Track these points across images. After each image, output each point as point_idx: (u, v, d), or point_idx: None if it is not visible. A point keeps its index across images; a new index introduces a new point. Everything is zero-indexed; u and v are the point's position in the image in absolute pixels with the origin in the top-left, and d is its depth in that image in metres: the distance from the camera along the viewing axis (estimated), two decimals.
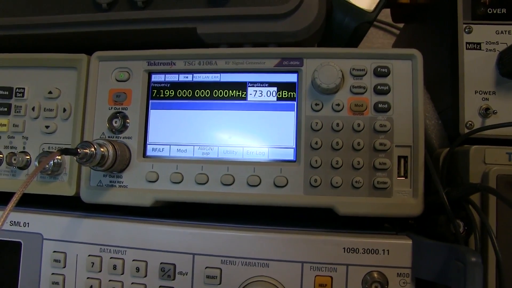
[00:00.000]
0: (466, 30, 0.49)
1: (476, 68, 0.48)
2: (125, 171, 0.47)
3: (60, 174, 0.49)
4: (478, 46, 0.49)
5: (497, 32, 0.49)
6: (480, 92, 0.48)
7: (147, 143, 0.47)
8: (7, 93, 0.51)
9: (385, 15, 0.86)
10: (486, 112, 0.47)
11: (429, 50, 0.57)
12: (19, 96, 0.51)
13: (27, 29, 0.52)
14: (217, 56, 0.47)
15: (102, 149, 0.43)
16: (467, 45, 0.49)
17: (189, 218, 0.48)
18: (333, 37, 0.53)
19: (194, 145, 0.46)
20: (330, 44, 0.54)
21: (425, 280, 0.41)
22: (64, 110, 0.50)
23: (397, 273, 0.41)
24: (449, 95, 0.50)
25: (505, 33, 0.49)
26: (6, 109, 0.51)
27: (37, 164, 0.48)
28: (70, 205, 0.53)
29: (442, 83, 0.53)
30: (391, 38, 0.99)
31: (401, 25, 0.82)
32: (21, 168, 0.50)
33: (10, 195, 0.44)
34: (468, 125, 0.47)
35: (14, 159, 0.49)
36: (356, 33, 0.52)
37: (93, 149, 0.42)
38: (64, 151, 0.39)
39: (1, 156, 0.51)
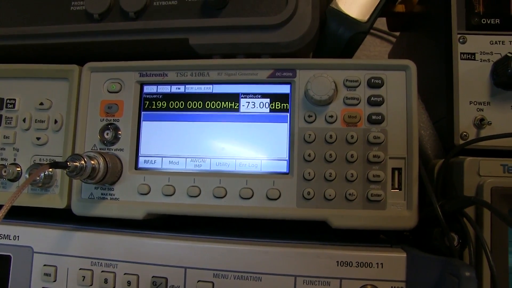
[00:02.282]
0: (461, 40, 0.49)
1: (471, 78, 0.48)
2: (117, 183, 0.46)
3: (51, 187, 0.49)
4: (473, 56, 0.49)
5: (491, 42, 0.49)
6: (475, 103, 0.48)
7: (139, 155, 0.47)
8: None
9: (382, 23, 0.86)
10: (481, 123, 0.47)
11: (424, 60, 0.57)
12: (10, 107, 0.51)
13: (18, 40, 0.51)
14: (209, 67, 0.47)
15: (92, 162, 0.42)
16: (462, 55, 0.49)
17: (181, 231, 0.47)
18: (327, 47, 0.53)
19: (186, 157, 0.46)
20: (325, 54, 0.54)
21: None
22: (56, 121, 0.49)
23: (391, 287, 0.41)
24: (444, 106, 0.50)
25: (499, 43, 0.49)
26: None
27: (27, 176, 0.48)
28: (62, 217, 0.52)
29: (437, 93, 0.53)
30: (388, 46, 0.99)
31: (398, 33, 0.82)
32: (12, 180, 0.49)
33: None
34: (463, 136, 0.47)
35: (5, 171, 0.49)
36: (350, 43, 0.52)
37: (83, 162, 0.41)
38: (53, 165, 0.38)
39: None
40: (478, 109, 0.48)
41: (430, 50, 0.57)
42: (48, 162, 0.48)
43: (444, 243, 0.40)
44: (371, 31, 0.96)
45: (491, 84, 0.48)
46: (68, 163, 0.40)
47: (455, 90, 0.48)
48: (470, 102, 0.48)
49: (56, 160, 0.48)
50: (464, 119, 0.47)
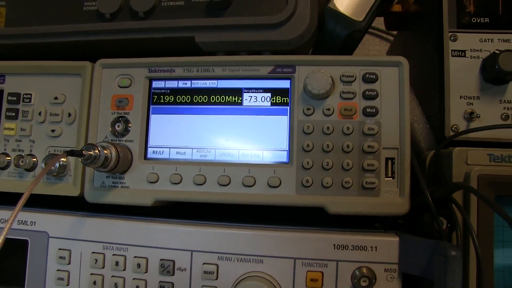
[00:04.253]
0: (452, 38, 0.52)
1: (461, 74, 0.51)
2: (127, 172, 0.49)
3: (65, 176, 0.52)
4: (463, 53, 0.51)
5: (480, 40, 0.51)
6: (465, 97, 0.50)
7: (148, 146, 0.50)
8: (15, 98, 0.54)
9: (381, 23, 0.89)
10: (470, 116, 0.50)
11: (419, 57, 0.60)
12: (26, 102, 0.54)
13: (34, 38, 0.54)
14: (214, 63, 0.50)
15: (105, 151, 0.45)
16: (453, 52, 0.51)
17: (188, 218, 0.50)
18: (325, 45, 0.55)
19: (192, 148, 0.49)
20: (323, 52, 0.57)
21: (411, 275, 0.43)
22: (69, 114, 0.52)
23: (385, 269, 0.44)
24: (436, 100, 0.53)
25: (488, 41, 0.51)
26: (14, 113, 0.54)
27: (43, 166, 0.51)
28: (75, 205, 0.55)
29: (430, 89, 0.55)
30: (387, 45, 1.02)
31: (395, 32, 0.84)
32: (28, 170, 0.52)
33: (16, 195, 0.46)
34: (453, 128, 0.50)
35: (22, 161, 0.52)
36: (348, 41, 0.55)
37: (97, 151, 0.44)
38: (70, 153, 0.41)
39: (9, 158, 0.53)
40: (468, 103, 0.50)
41: (424, 48, 0.60)
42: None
43: (434, 227, 0.42)
44: (371, 30, 0.99)
45: (480, 80, 0.51)
46: (83, 152, 0.43)
47: (446, 85, 0.51)
48: (461, 97, 0.50)
49: None
50: (454, 113, 0.50)
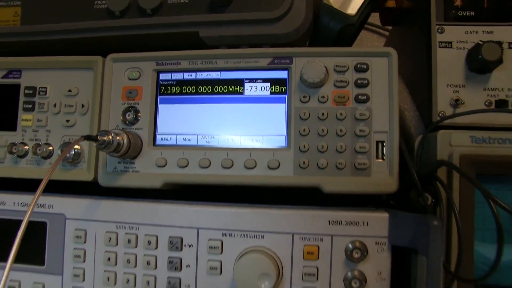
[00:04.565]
0: (439, 30, 0.55)
1: (448, 64, 0.54)
2: (137, 158, 0.53)
3: (79, 162, 0.56)
4: (450, 44, 0.55)
5: (466, 32, 0.55)
6: (451, 86, 0.54)
7: (157, 133, 0.54)
8: (31, 91, 0.58)
9: (378, 19, 0.92)
10: (456, 103, 0.53)
11: (411, 50, 0.64)
12: (42, 95, 0.58)
13: (49, 35, 0.58)
14: (217, 56, 0.53)
15: (118, 137, 0.49)
16: (440, 44, 0.55)
17: (194, 200, 0.54)
18: (321, 38, 0.59)
19: (198, 135, 0.53)
20: (320, 45, 0.61)
21: (399, 247, 0.47)
22: (82, 106, 0.56)
23: (376, 242, 0.48)
24: (425, 90, 0.57)
25: (473, 33, 0.55)
26: (30, 106, 0.58)
27: (59, 153, 0.55)
28: (88, 191, 0.59)
29: (420, 79, 0.59)
30: (383, 40, 1.05)
31: (390, 27, 0.88)
32: (45, 158, 0.56)
33: (32, 182, 0.51)
34: (440, 114, 0.54)
35: (39, 150, 0.56)
36: (342, 35, 0.59)
37: (110, 137, 0.48)
38: (87, 137, 0.45)
39: (27, 147, 0.57)
40: (454, 91, 0.54)
41: (415, 41, 0.63)
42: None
43: (420, 203, 0.46)
44: (368, 26, 1.03)
45: (466, 69, 0.54)
46: (98, 137, 0.47)
47: (434, 75, 0.54)
48: (447, 85, 0.54)
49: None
50: (441, 100, 0.54)
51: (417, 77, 0.60)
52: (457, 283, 0.46)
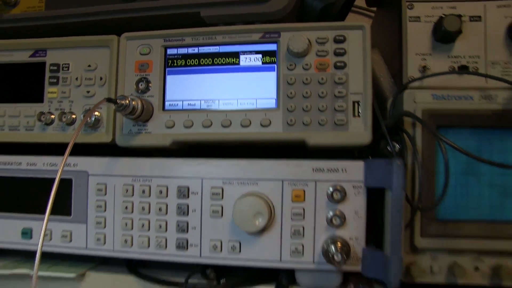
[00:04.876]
0: (409, 7, 0.63)
1: (417, 36, 0.63)
2: (149, 121, 0.62)
3: (99, 127, 0.64)
4: (418, 19, 0.63)
5: (432, 8, 0.63)
6: (420, 54, 0.62)
7: (165, 100, 0.62)
8: (55, 68, 0.67)
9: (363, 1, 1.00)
10: (423, 69, 0.62)
11: (389, 27, 0.72)
12: (65, 70, 0.66)
13: (69, 18, 0.67)
14: (216, 32, 0.62)
15: (133, 102, 0.58)
16: (410, 18, 0.63)
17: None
18: (306, 16, 0.68)
19: (200, 100, 0.62)
20: (306, 22, 0.69)
21: (372, 188, 0.55)
22: (101, 78, 0.65)
23: (353, 186, 0.56)
24: (398, 59, 0.65)
25: (439, 8, 0.63)
26: (55, 80, 0.67)
27: (82, 118, 0.63)
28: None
29: (395, 51, 0.67)
30: (371, 21, 1.13)
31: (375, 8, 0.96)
32: (69, 124, 0.65)
33: (57, 147, 0.59)
34: (409, 79, 0.62)
35: (64, 117, 0.65)
36: (324, 13, 0.67)
37: (127, 101, 0.57)
38: (108, 99, 0.54)
39: (53, 116, 0.66)
40: (422, 59, 0.62)
41: (392, 19, 0.72)
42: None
43: (389, 150, 0.55)
44: (355, 9, 1.11)
45: (432, 40, 0.62)
46: (118, 100, 0.56)
47: (404, 45, 0.63)
48: (416, 54, 0.62)
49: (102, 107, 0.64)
50: (411, 67, 0.62)
51: (393, 50, 0.68)
52: (420, 215, 0.54)
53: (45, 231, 0.46)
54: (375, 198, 0.58)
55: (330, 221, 0.56)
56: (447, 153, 0.50)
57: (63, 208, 0.63)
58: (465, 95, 0.55)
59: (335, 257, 0.52)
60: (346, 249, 0.54)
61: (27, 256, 0.70)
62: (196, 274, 0.61)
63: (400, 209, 0.49)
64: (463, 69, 0.61)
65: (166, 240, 0.60)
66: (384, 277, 0.52)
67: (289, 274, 0.60)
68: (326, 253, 0.54)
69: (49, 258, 0.68)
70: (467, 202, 0.56)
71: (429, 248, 0.55)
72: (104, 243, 0.62)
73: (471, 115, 0.55)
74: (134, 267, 0.66)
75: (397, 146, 0.55)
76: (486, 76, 0.58)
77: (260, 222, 0.55)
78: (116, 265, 0.67)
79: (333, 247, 0.53)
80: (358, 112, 0.58)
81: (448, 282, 0.55)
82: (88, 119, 0.63)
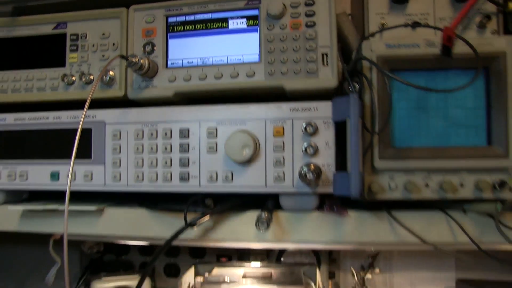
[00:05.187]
0: None
1: None
2: (155, 77, 0.75)
3: (113, 85, 0.77)
4: None
5: None
6: (379, 14, 0.75)
7: (168, 59, 0.75)
8: (75, 37, 0.80)
9: None
10: (383, 26, 0.74)
11: None
12: (83, 39, 0.79)
13: None
14: (208, 2, 0.74)
15: (142, 60, 0.71)
16: None
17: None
18: None
19: (197, 58, 0.74)
20: None
21: (339, 121, 0.68)
22: (114, 44, 0.78)
23: (323, 121, 0.68)
24: (362, 20, 0.77)
25: None
26: (75, 47, 0.79)
27: (99, 73, 0.76)
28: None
29: (361, 14, 0.80)
30: None
31: None
32: (87, 83, 0.78)
33: (79, 104, 0.72)
34: (371, 34, 0.74)
35: (83, 77, 0.77)
36: None
37: (136, 59, 0.69)
38: (121, 56, 0.67)
39: (74, 78, 0.79)
40: (381, 18, 0.75)
41: None
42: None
43: (350, 90, 0.67)
44: None
45: (389, 1, 0.75)
46: (129, 58, 0.68)
47: (365, 7, 0.75)
48: (376, 14, 0.75)
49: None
50: (372, 25, 0.74)
51: (361, 14, 0.81)
52: (378, 142, 0.66)
53: (72, 172, 0.59)
54: (344, 134, 0.70)
55: (305, 151, 0.68)
56: (391, 88, 0.62)
57: (84, 152, 0.76)
58: (413, 43, 0.68)
59: (308, 175, 0.65)
60: (318, 171, 0.66)
61: (54, 198, 0.83)
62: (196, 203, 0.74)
63: (357, 132, 0.61)
64: (415, 24, 0.74)
65: (171, 174, 0.72)
66: (348, 191, 0.64)
67: (275, 200, 0.72)
68: (302, 176, 0.67)
69: (73, 199, 0.80)
70: (418, 132, 0.68)
71: (387, 169, 0.67)
72: (120, 179, 0.75)
73: (418, 59, 0.67)
74: (144, 202, 0.78)
75: (357, 86, 0.67)
76: (433, 27, 0.70)
77: (247, 152, 0.67)
78: (130, 204, 0.80)
79: (306, 169, 0.66)
80: (327, 62, 0.70)
81: (404, 197, 0.67)
82: (104, 77, 0.76)
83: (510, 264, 0.70)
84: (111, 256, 1.24)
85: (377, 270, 1.22)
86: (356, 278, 1.21)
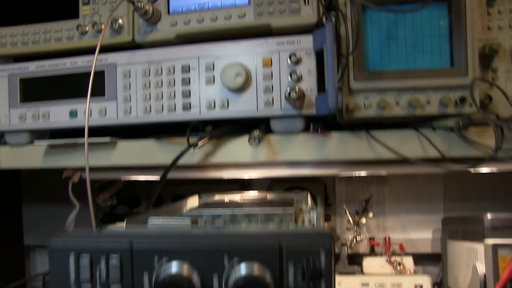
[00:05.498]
0: None
1: None
2: (158, 23, 0.85)
3: (121, 32, 0.88)
4: None
5: None
6: None
7: (170, 6, 0.85)
8: None
9: None
10: None
11: None
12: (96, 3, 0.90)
13: None
14: None
15: (146, 6, 0.81)
16: None
17: None
18: None
19: (195, 4, 0.84)
20: None
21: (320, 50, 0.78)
22: None
23: (305, 52, 0.79)
24: None
25: None
26: (87, 1, 0.90)
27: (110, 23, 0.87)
28: None
29: None
30: None
31: None
32: (99, 32, 0.89)
33: (91, 51, 0.82)
34: None
35: (95, 26, 0.88)
36: None
37: (142, 4, 0.80)
38: (128, 0, 0.77)
39: (87, 28, 0.89)
40: None
41: None
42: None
43: (327, 20, 0.77)
44: None
45: None
46: (135, 2, 0.79)
47: None
48: None
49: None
50: None
51: None
52: (354, 66, 0.76)
53: (88, 109, 0.70)
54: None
55: (290, 77, 0.78)
56: (360, 15, 0.72)
57: (99, 91, 0.87)
58: None
59: (292, 94, 0.75)
60: (301, 94, 0.77)
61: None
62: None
63: (332, 53, 0.71)
64: None
65: (175, 104, 0.83)
66: (327, 109, 0.74)
67: (266, 126, 0.83)
68: (288, 97, 0.77)
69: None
70: (388, 58, 0.78)
71: (361, 89, 0.77)
72: (130, 113, 0.85)
73: None
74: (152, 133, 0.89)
75: (333, 19, 0.77)
76: None
77: (239, 80, 0.78)
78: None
79: (291, 90, 0.76)
80: (308, 1, 0.80)
81: (377, 114, 0.77)
82: (114, 25, 0.86)
83: None
84: (123, 209, 1.34)
85: (370, 214, 1.33)
86: (351, 221, 1.31)
